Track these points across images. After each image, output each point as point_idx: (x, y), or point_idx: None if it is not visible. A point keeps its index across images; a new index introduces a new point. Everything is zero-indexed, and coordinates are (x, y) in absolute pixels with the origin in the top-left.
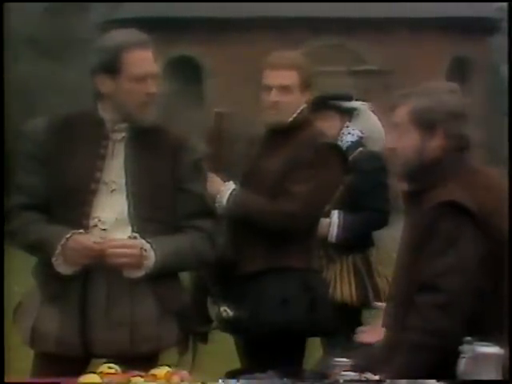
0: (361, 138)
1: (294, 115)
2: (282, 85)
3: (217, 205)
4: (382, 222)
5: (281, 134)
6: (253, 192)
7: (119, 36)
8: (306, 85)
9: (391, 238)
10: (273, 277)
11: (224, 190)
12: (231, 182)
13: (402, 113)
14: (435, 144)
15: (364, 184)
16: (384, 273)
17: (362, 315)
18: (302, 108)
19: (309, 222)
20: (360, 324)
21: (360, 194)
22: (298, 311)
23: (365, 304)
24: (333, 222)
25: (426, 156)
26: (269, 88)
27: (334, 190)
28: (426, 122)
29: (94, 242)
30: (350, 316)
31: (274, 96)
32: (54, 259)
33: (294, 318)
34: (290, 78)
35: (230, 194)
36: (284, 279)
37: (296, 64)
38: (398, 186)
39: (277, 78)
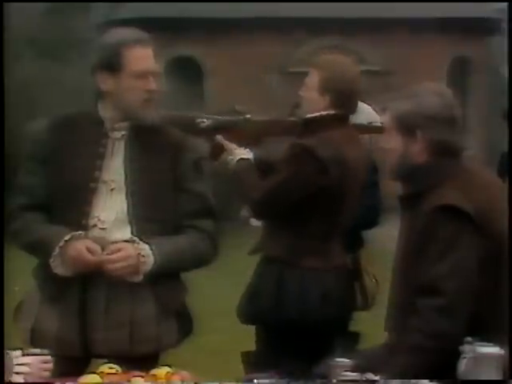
0: None
1: (312, 115)
2: (305, 82)
3: (227, 161)
4: (374, 221)
5: (300, 129)
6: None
7: (119, 34)
8: (325, 86)
9: (379, 238)
10: (260, 264)
11: (238, 152)
12: (248, 150)
13: (387, 117)
14: (418, 148)
15: None
16: (372, 272)
17: None
18: (327, 112)
19: (270, 212)
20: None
21: None
22: (265, 303)
23: None
24: None
25: (413, 160)
26: None
27: (302, 188)
28: (406, 127)
29: (91, 251)
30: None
31: (300, 91)
32: (51, 260)
33: (262, 309)
34: (311, 75)
35: (240, 159)
36: (263, 269)
37: (318, 64)
38: (389, 186)
39: (308, 75)
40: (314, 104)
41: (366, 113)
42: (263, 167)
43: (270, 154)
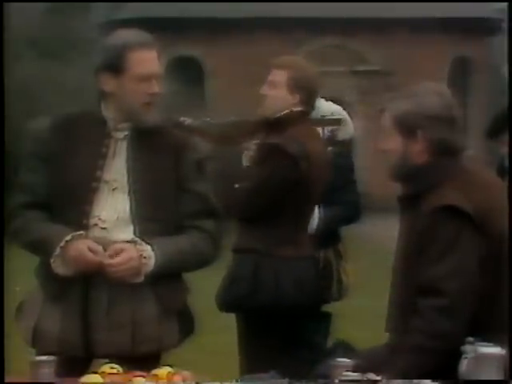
0: (329, 137)
1: (282, 114)
2: (271, 80)
3: None
4: (355, 216)
5: (267, 128)
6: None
7: (125, 35)
8: (295, 85)
9: (353, 234)
10: (235, 257)
11: None
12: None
13: (387, 116)
14: (418, 148)
15: (334, 180)
16: (347, 268)
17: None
18: (295, 109)
19: (248, 212)
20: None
21: (333, 189)
22: (242, 291)
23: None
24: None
25: (413, 160)
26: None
27: (277, 185)
28: (406, 127)
29: (93, 251)
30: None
31: (263, 90)
32: (52, 260)
33: (239, 296)
34: (278, 74)
35: None
36: (239, 260)
37: (287, 64)
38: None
39: (270, 75)
40: (283, 102)
41: (320, 107)
42: (230, 171)
43: (234, 157)
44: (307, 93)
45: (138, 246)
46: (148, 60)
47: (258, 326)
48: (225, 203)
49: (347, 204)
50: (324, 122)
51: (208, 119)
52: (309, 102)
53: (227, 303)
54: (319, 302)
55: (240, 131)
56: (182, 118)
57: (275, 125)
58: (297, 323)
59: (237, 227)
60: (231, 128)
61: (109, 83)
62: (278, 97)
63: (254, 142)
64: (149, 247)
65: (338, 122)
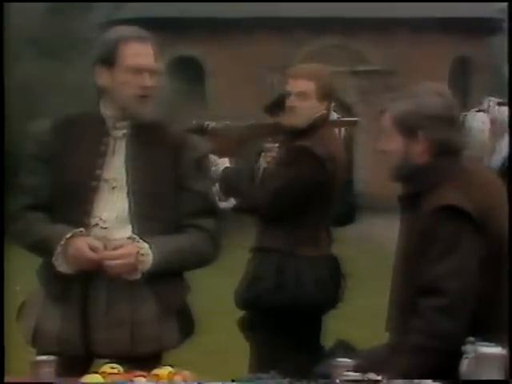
0: None
1: (311, 121)
2: (300, 92)
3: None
4: (350, 217)
5: (293, 136)
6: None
7: (119, 29)
8: (324, 94)
9: (353, 234)
10: (257, 255)
11: (221, 161)
12: (228, 158)
13: (387, 117)
14: (419, 148)
15: None
16: (344, 270)
17: None
18: (320, 114)
19: (275, 211)
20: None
21: None
22: (264, 289)
23: None
24: None
25: (414, 160)
26: (289, 95)
27: (305, 186)
28: (406, 127)
29: (92, 249)
30: None
31: (291, 102)
32: (54, 259)
33: (261, 294)
34: (307, 85)
35: (225, 167)
36: (261, 259)
37: (314, 74)
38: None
39: (296, 85)
40: (313, 111)
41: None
42: (251, 172)
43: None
44: (332, 98)
45: (135, 243)
46: (141, 53)
47: (276, 325)
48: (250, 203)
49: (342, 204)
50: (339, 123)
51: (227, 122)
52: (331, 105)
53: (247, 301)
54: (338, 301)
55: (259, 133)
56: (206, 123)
57: (304, 130)
58: (313, 322)
59: (258, 226)
60: (250, 130)
61: (103, 77)
62: (308, 107)
63: (276, 144)
64: (146, 245)
65: (353, 123)
